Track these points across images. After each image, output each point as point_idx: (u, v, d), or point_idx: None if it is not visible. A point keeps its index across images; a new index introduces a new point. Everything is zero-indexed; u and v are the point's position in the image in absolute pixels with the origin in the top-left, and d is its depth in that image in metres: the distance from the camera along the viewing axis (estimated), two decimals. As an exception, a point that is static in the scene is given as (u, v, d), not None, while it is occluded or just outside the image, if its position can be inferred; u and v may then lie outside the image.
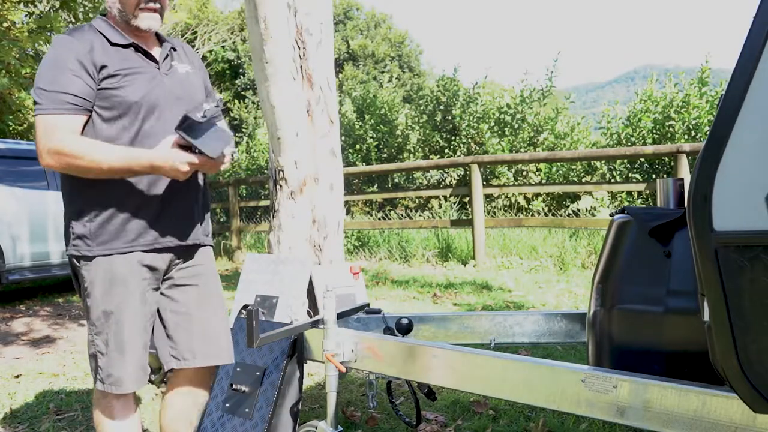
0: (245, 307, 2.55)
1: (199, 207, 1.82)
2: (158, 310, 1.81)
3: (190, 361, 1.80)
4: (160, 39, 1.80)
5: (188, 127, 1.50)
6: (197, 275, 1.84)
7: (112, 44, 1.66)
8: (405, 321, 2.31)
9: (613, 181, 8.56)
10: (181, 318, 1.81)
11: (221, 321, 1.88)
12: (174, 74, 1.75)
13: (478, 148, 10.21)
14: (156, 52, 1.76)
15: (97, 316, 1.69)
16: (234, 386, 2.26)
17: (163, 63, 1.74)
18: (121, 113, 1.64)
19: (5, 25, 9.52)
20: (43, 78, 1.60)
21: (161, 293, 1.81)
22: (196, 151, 1.54)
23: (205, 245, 1.88)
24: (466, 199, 8.49)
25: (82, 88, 1.60)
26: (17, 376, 3.56)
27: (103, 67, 1.62)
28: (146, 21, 1.68)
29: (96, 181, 1.64)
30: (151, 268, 1.73)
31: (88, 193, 1.66)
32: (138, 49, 1.70)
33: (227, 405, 2.24)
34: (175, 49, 1.81)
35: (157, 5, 1.69)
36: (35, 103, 1.60)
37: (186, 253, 1.82)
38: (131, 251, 1.69)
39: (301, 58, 3.70)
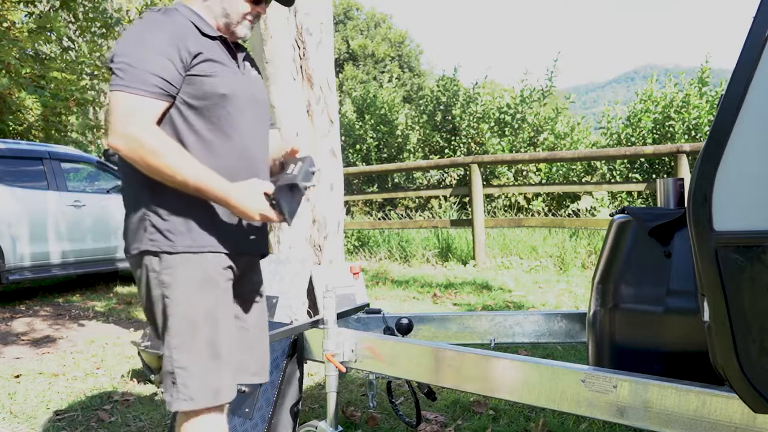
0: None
1: None
2: None
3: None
4: (236, 44, 1.79)
5: (287, 189, 1.48)
6: (261, 291, 1.80)
7: (203, 34, 1.61)
8: (405, 321, 2.31)
9: (613, 181, 8.56)
10: (238, 333, 1.71)
11: (267, 340, 1.83)
12: (249, 76, 1.74)
13: (478, 148, 10.21)
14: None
15: (185, 321, 1.52)
16: (234, 386, 2.26)
17: (241, 63, 1.73)
18: (208, 103, 1.57)
19: (5, 25, 9.53)
20: (132, 54, 1.47)
21: None
22: (278, 210, 1.51)
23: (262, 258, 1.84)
24: (466, 199, 8.49)
25: (172, 74, 1.49)
26: (17, 376, 3.56)
27: (198, 53, 1.55)
28: (244, 30, 1.68)
29: None
30: (233, 273, 1.65)
31: (170, 188, 1.54)
32: (224, 43, 1.67)
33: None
34: (248, 56, 1.81)
35: (257, 21, 1.71)
36: (114, 74, 1.46)
37: (253, 263, 1.76)
38: (219, 252, 1.58)
39: (301, 58, 3.70)
